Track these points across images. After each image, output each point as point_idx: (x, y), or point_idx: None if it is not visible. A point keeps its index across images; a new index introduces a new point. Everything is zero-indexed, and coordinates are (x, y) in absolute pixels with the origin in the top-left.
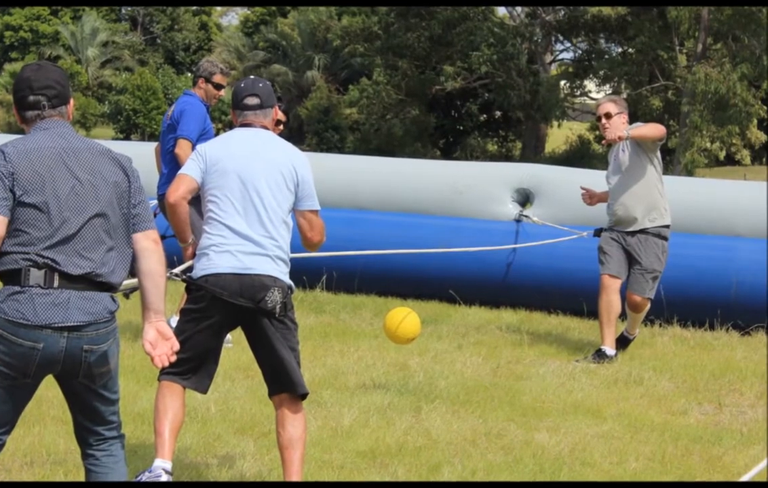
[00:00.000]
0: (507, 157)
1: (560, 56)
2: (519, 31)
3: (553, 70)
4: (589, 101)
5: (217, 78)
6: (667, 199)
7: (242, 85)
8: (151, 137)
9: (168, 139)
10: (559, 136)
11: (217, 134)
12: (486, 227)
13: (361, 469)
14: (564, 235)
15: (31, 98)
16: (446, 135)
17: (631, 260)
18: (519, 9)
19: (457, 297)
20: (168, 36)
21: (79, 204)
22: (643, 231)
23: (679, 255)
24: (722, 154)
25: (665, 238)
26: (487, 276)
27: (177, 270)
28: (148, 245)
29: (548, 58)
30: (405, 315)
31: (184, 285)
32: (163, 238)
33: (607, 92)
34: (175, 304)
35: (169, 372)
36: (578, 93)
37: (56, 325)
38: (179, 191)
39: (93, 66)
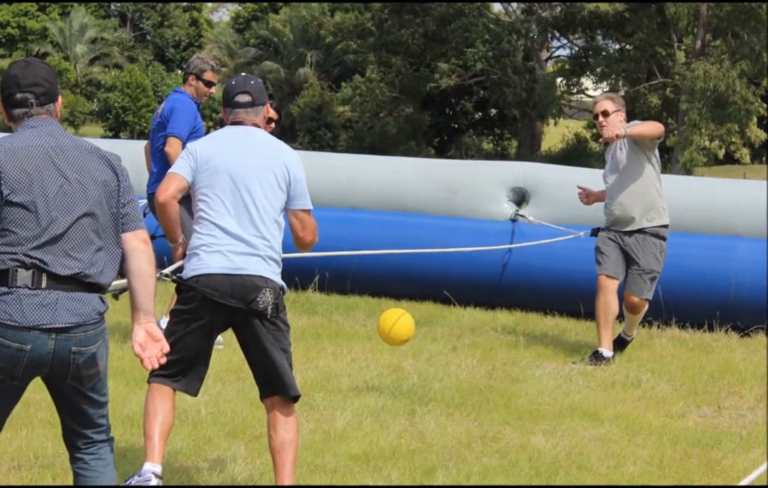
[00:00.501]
0: (502, 156)
1: (557, 53)
2: (515, 27)
3: (550, 67)
4: (586, 99)
5: (208, 75)
6: (665, 198)
7: (233, 82)
8: (141, 135)
9: (158, 137)
10: (556, 134)
11: (207, 132)
12: (481, 227)
13: (354, 473)
14: (560, 235)
15: (19, 96)
16: (441, 133)
17: (629, 260)
18: (515, 5)
19: (451, 298)
20: (158, 32)
21: (67, 203)
22: (640, 231)
23: (677, 256)
24: (721, 153)
25: (663, 238)
26: (482, 276)
27: (167, 270)
28: (138, 245)
29: (544, 54)
30: (399, 317)
31: (174, 285)
32: (152, 237)
33: (605, 89)
34: (165, 305)
35: (159, 374)
36: (575, 90)
37: (44, 327)
38: (169, 190)
39: (81, 63)
